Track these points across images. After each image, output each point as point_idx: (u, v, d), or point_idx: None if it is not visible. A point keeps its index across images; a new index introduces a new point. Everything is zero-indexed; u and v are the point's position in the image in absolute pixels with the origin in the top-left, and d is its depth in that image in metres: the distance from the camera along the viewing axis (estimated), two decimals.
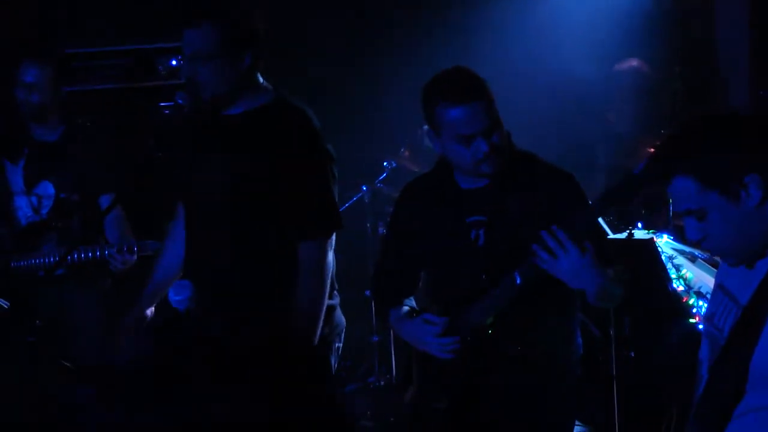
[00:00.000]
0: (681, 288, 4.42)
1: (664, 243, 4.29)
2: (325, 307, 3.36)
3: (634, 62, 5.42)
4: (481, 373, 3.19)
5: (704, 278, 4.20)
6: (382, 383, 5.76)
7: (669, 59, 5.59)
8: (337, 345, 3.50)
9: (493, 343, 3.15)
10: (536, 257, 2.96)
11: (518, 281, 3.04)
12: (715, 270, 2.60)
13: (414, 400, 3.38)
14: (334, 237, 3.41)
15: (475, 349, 3.17)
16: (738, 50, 5.65)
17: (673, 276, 4.42)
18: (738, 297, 2.35)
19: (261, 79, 3.40)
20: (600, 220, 3.30)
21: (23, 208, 4.48)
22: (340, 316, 3.53)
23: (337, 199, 3.42)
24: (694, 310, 4.24)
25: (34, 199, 4.47)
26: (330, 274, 3.39)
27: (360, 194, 5.74)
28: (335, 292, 3.49)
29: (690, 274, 4.32)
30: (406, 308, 3.36)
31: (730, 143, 2.27)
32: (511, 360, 3.16)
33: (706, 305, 3.36)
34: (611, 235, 4.31)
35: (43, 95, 4.39)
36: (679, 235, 4.30)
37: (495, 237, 3.15)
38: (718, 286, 2.47)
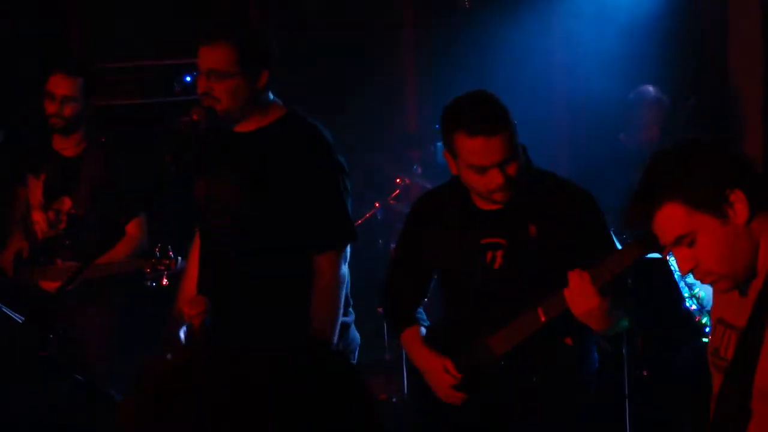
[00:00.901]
0: (693, 307, 4.40)
1: None
2: (340, 320, 3.36)
3: (651, 90, 5.41)
4: (493, 396, 3.18)
5: None
6: (394, 400, 5.74)
7: (682, 79, 5.59)
8: None
9: (508, 370, 3.14)
10: (563, 291, 2.94)
11: (542, 319, 3.03)
12: None
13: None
14: (348, 250, 3.42)
15: (487, 376, 3.16)
16: (751, 69, 5.65)
17: (686, 295, 4.41)
18: (736, 324, 2.35)
19: (271, 96, 3.43)
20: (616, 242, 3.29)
21: (40, 222, 4.49)
22: (354, 333, 3.53)
23: (350, 212, 3.43)
24: (707, 329, 4.23)
25: (51, 213, 4.48)
26: (345, 287, 3.40)
27: (372, 211, 5.74)
28: (350, 309, 3.49)
29: (702, 293, 4.31)
30: (422, 330, 3.33)
31: (710, 163, 2.28)
32: (526, 385, 3.15)
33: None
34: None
35: (74, 108, 4.37)
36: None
37: (513, 261, 3.12)
38: (717, 320, 2.46)
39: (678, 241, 2.31)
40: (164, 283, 3.98)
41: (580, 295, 2.89)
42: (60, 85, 4.34)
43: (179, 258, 3.92)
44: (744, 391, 2.26)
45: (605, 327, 3.01)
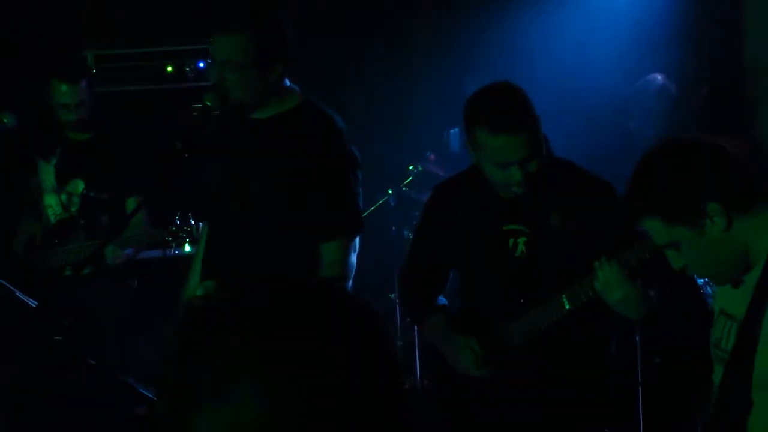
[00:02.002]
0: (708, 293, 4.39)
1: None
2: None
3: (659, 78, 5.37)
4: (512, 386, 3.17)
5: None
6: (407, 386, 5.73)
7: (694, 72, 5.55)
8: None
9: (527, 361, 3.13)
10: (591, 280, 2.93)
11: (567, 307, 3.02)
12: None
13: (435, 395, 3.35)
14: (357, 241, 3.41)
15: (505, 365, 3.16)
16: (765, 62, 5.61)
17: (701, 281, 4.39)
18: (736, 315, 2.37)
19: (288, 82, 3.42)
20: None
21: (53, 206, 4.53)
22: None
23: (360, 202, 3.42)
24: None
25: (64, 196, 4.52)
26: (351, 277, 3.39)
27: (385, 198, 5.73)
28: None
29: None
30: (442, 316, 3.32)
31: (684, 177, 2.29)
32: (545, 376, 3.15)
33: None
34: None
35: (88, 108, 4.46)
36: None
37: (536, 249, 3.11)
38: (719, 312, 2.48)
39: (664, 247, 2.36)
40: (186, 249, 4.04)
41: (612, 284, 2.88)
42: (70, 95, 4.41)
43: (200, 224, 3.98)
44: (744, 382, 2.28)
45: (643, 313, 2.99)
